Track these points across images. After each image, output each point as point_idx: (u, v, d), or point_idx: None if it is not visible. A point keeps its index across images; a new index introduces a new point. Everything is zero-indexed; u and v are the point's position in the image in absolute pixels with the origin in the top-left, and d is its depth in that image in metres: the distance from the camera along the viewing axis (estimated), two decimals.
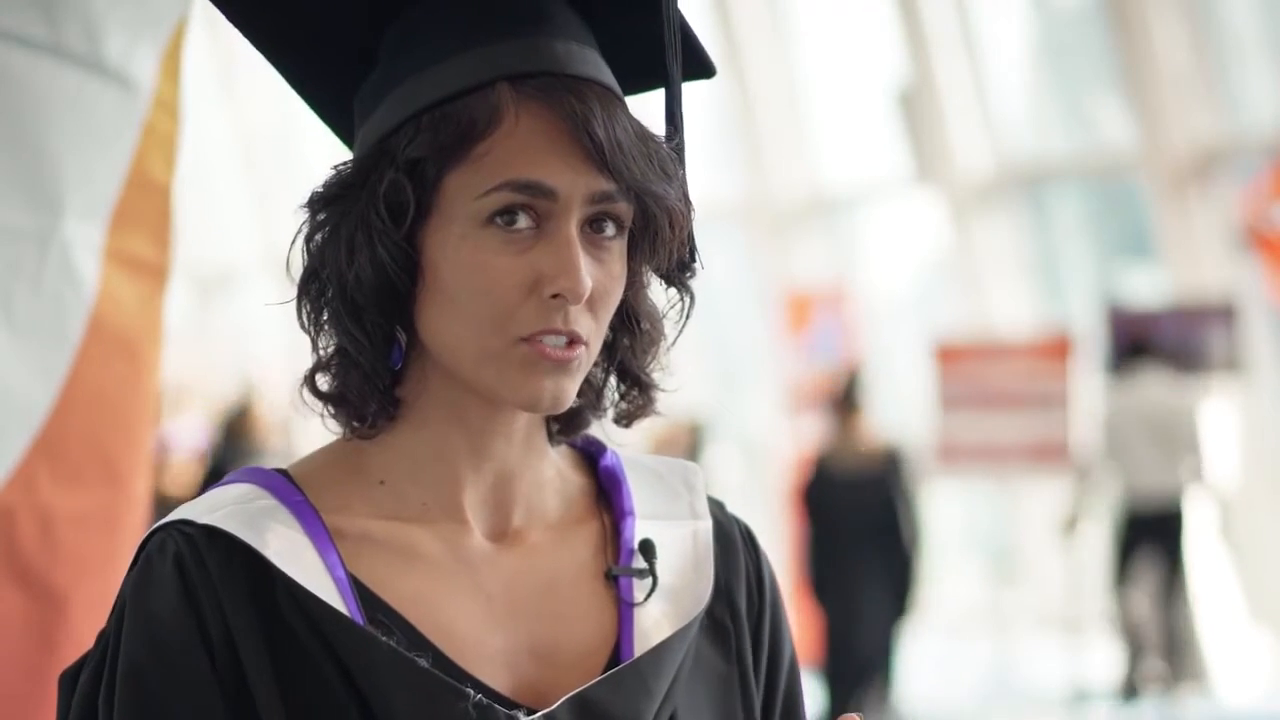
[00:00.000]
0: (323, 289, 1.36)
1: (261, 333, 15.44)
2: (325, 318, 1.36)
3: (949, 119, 10.77)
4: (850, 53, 11.96)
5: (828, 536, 7.80)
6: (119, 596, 1.36)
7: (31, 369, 2.04)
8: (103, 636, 1.36)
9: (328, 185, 1.36)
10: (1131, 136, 10.06)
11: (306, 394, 1.38)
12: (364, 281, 1.33)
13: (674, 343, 1.43)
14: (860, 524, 7.67)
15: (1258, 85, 10.03)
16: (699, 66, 1.44)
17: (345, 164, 1.37)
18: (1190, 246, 9.80)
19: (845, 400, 7.99)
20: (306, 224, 1.36)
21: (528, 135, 1.32)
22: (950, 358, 9.75)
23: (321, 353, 1.37)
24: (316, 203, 1.36)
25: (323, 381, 1.38)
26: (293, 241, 1.37)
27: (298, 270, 1.37)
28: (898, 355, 11.66)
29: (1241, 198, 8.99)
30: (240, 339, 16.18)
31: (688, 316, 1.42)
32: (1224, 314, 8.96)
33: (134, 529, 2.14)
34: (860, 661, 7.75)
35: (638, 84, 1.41)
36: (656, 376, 1.43)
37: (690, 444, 9.92)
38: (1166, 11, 9.60)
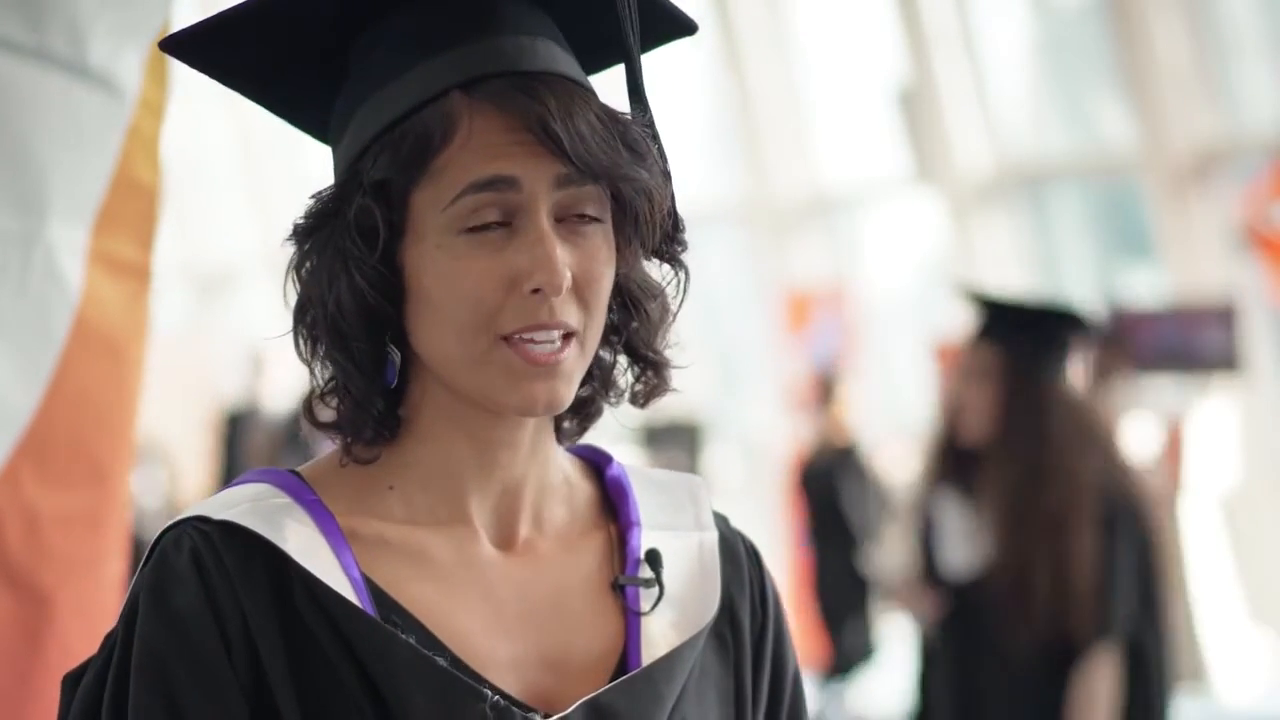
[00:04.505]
0: (312, 321, 1.36)
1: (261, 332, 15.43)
2: (318, 348, 1.37)
3: (949, 119, 10.75)
4: (850, 53, 11.95)
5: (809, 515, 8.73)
6: (131, 593, 1.35)
7: (17, 370, 2.05)
8: (110, 637, 1.36)
9: (306, 216, 1.37)
10: (1131, 136, 10.05)
11: (305, 423, 1.39)
12: (345, 309, 1.34)
13: (674, 319, 1.42)
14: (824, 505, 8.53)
15: (1258, 85, 10.02)
16: (675, 25, 1.43)
17: (322, 192, 1.38)
18: (1190, 246, 9.79)
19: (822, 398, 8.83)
20: (295, 255, 1.37)
21: (483, 137, 1.32)
22: (950, 358, 9.74)
23: (319, 381, 1.38)
24: (299, 234, 1.37)
25: (320, 409, 1.38)
26: (286, 273, 1.37)
27: (293, 301, 1.37)
28: (898, 355, 11.66)
29: (1241, 198, 8.98)
30: (239, 338, 16.18)
31: (684, 291, 1.41)
32: (1224, 314, 8.94)
33: (118, 529, 2.15)
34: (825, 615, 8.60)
35: (607, 58, 1.40)
36: (667, 353, 1.42)
37: (690, 444, 9.93)
38: (1166, 11, 9.59)
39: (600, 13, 1.37)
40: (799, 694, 1.49)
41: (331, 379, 1.37)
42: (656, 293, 1.41)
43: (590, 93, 1.36)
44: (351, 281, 1.33)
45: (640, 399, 1.43)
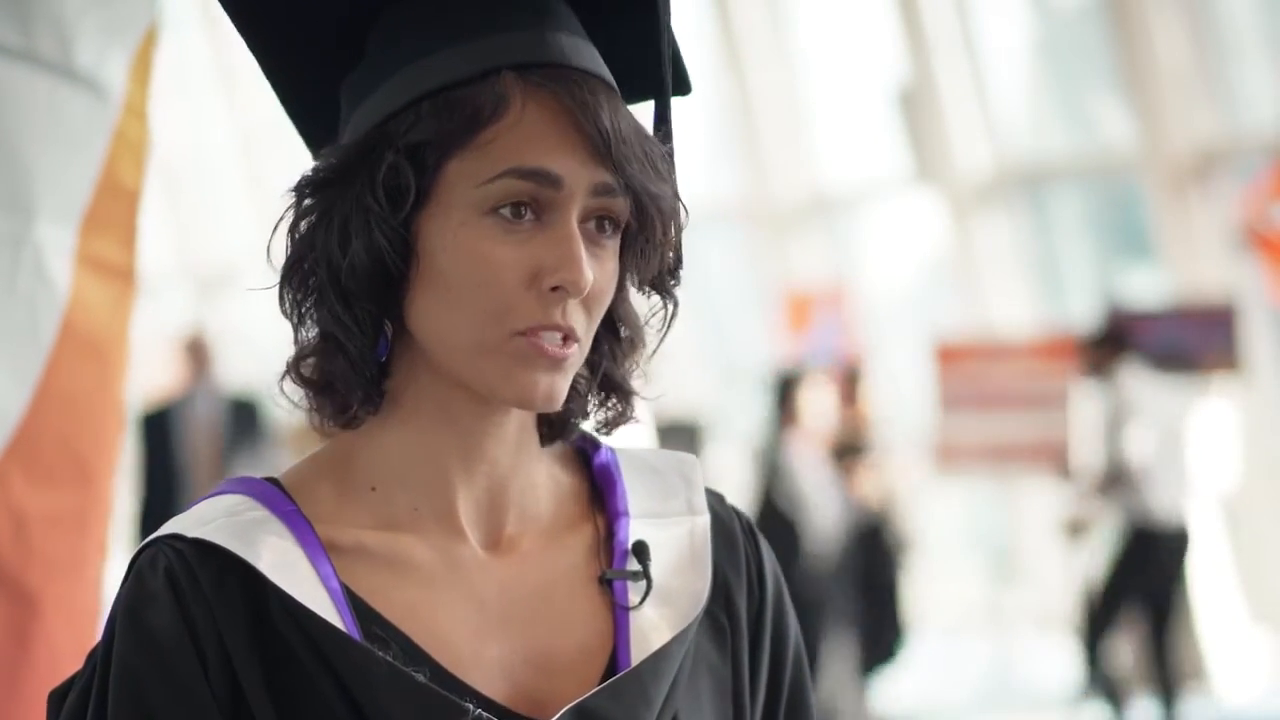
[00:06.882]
0: (308, 275, 1.33)
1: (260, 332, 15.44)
2: (310, 305, 1.34)
3: (949, 119, 10.76)
4: (850, 53, 11.95)
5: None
6: (110, 612, 1.34)
7: (5, 371, 2.06)
8: (92, 655, 1.35)
9: (318, 169, 1.34)
10: (1131, 136, 10.05)
11: (289, 383, 1.36)
12: (358, 267, 1.31)
13: (655, 351, 1.42)
14: None
15: (1258, 85, 10.02)
16: (679, 82, 1.43)
17: (337, 148, 1.35)
18: (1190, 246, 9.79)
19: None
20: (293, 209, 1.34)
21: (533, 125, 1.31)
22: (950, 358, 9.75)
23: (304, 341, 1.35)
24: (306, 187, 1.34)
25: (307, 369, 1.35)
26: (275, 226, 1.34)
27: (280, 256, 1.35)
28: (898, 355, 11.65)
29: (1241, 198, 8.98)
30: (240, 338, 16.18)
31: (669, 324, 1.41)
32: (1224, 314, 8.94)
33: (103, 529, 2.16)
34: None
35: (625, 96, 1.40)
36: (637, 384, 1.41)
37: (690, 444, 9.94)
38: (1166, 11, 9.59)
39: (626, 52, 1.38)
40: (800, 670, 1.47)
41: (322, 337, 1.34)
42: (637, 323, 1.41)
43: (624, 104, 1.37)
44: (370, 240, 1.31)
45: (604, 427, 1.42)
